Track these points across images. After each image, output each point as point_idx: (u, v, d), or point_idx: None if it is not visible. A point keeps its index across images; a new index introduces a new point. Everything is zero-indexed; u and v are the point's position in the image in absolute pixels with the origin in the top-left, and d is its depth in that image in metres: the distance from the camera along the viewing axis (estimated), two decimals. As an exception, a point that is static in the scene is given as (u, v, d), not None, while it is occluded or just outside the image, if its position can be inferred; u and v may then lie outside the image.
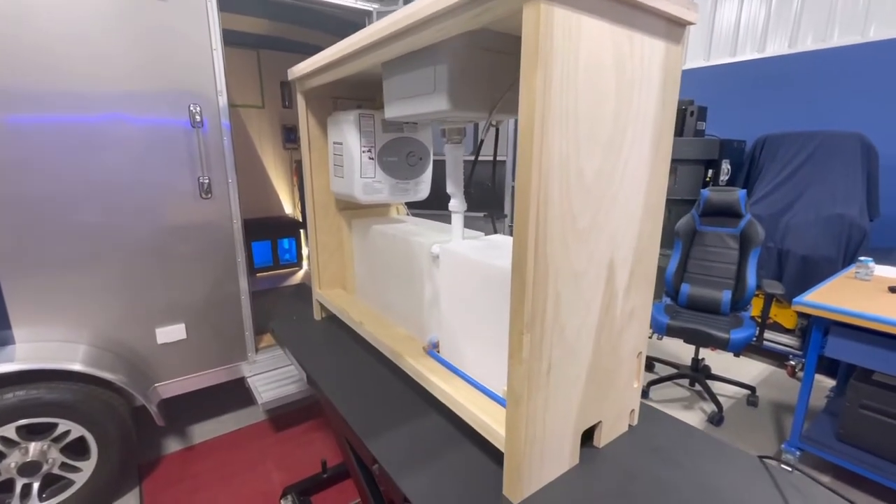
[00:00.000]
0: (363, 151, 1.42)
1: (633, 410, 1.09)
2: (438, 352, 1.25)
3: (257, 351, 2.40)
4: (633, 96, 0.83)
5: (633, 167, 0.87)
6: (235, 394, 2.72)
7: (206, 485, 2.01)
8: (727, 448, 1.02)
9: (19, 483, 1.71)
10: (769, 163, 3.33)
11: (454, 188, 1.25)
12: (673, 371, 2.88)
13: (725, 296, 2.63)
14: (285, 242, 3.89)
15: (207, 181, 2.07)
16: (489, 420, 0.94)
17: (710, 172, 3.44)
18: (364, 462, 1.16)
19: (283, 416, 2.52)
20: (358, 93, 1.71)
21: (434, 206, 2.34)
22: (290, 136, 3.93)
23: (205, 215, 2.09)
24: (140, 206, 1.94)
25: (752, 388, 2.74)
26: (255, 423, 2.45)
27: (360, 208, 1.82)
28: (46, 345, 1.82)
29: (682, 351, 3.42)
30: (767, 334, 3.21)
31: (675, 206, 3.44)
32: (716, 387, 2.92)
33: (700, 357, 2.83)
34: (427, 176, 1.59)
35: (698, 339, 2.43)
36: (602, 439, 1.02)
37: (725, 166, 3.44)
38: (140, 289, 2.00)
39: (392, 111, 1.14)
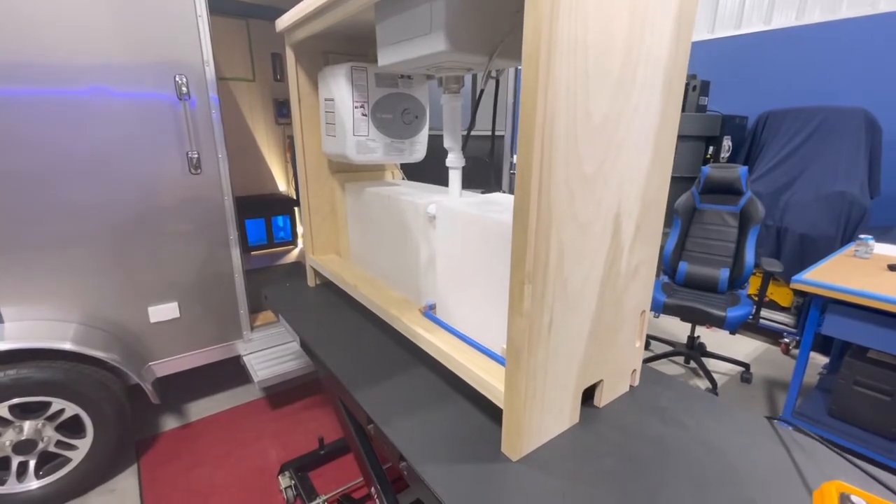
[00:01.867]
0: (356, 107, 1.36)
1: (634, 371, 1.07)
2: (435, 314, 1.22)
3: (252, 329, 2.38)
4: (646, 33, 0.77)
5: (642, 114, 0.82)
6: (232, 372, 2.72)
7: (204, 461, 2.02)
8: (732, 410, 1.00)
9: (15, 461, 1.71)
10: (771, 139, 3.27)
11: (452, 142, 1.20)
12: (668, 349, 2.90)
13: (723, 274, 2.62)
14: (279, 220, 3.84)
15: (196, 156, 2.00)
16: (488, 377, 0.91)
17: (710, 149, 3.38)
18: (359, 423, 1.15)
19: (280, 394, 2.52)
20: (350, 47, 1.62)
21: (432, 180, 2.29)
22: (282, 110, 3.82)
23: (194, 191, 2.04)
24: (128, 181, 1.88)
25: (746, 366, 2.76)
26: (252, 401, 2.46)
27: (353, 170, 1.76)
28: (36, 324, 1.79)
29: (678, 329, 3.44)
30: (763, 312, 3.22)
31: (675, 183, 3.40)
32: (710, 364, 2.94)
33: (696, 335, 2.85)
34: (423, 136, 1.53)
35: (695, 317, 2.43)
36: (603, 399, 1.00)
37: (727, 143, 3.38)
38: (130, 267, 1.96)
39: (385, 58, 1.07)
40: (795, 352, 3.11)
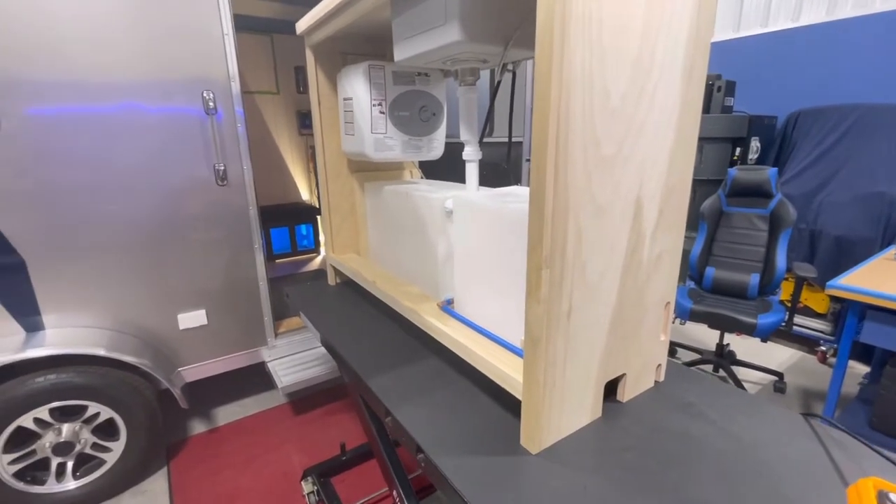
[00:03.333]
0: (374, 105, 1.37)
1: (659, 365, 1.03)
2: (453, 308, 1.22)
3: (276, 336, 2.44)
4: (665, 10, 0.75)
5: (663, 93, 0.80)
6: (256, 377, 2.79)
7: (230, 465, 2.07)
8: (766, 405, 0.95)
9: (54, 462, 1.79)
10: (802, 139, 3.16)
11: (468, 134, 1.19)
12: (696, 357, 2.81)
13: (753, 279, 2.53)
14: (303, 228, 3.92)
15: (223, 168, 2.07)
16: (506, 368, 0.89)
17: (737, 151, 3.28)
18: (379, 419, 1.15)
19: (303, 400, 2.56)
20: (368, 48, 1.65)
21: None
22: (305, 121, 3.92)
23: (221, 202, 2.11)
24: (158, 193, 1.96)
25: (779, 375, 2.65)
26: (276, 407, 2.51)
27: (372, 170, 1.77)
28: (75, 330, 1.88)
29: (706, 336, 3.34)
30: (797, 319, 3.09)
31: (701, 186, 3.31)
32: (741, 373, 2.84)
33: (725, 342, 2.75)
34: (441, 133, 1.53)
35: (724, 325, 2.35)
36: (626, 393, 0.97)
37: (755, 144, 3.28)
38: (162, 276, 2.03)
39: (402, 52, 1.08)
40: (833, 360, 2.96)
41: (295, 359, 2.41)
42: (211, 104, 1.98)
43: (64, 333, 1.84)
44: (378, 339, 1.32)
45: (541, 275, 0.72)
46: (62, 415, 1.78)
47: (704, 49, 0.85)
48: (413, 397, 1.02)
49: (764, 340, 2.30)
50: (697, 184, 3.32)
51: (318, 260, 3.80)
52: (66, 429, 1.78)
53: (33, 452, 1.74)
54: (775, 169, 2.55)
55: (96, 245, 1.87)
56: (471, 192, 1.19)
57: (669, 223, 0.91)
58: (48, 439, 1.76)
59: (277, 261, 3.80)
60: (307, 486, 1.85)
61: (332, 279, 1.84)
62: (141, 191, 1.92)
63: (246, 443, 2.22)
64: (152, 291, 2.03)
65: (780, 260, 2.48)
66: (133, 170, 1.89)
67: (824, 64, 3.25)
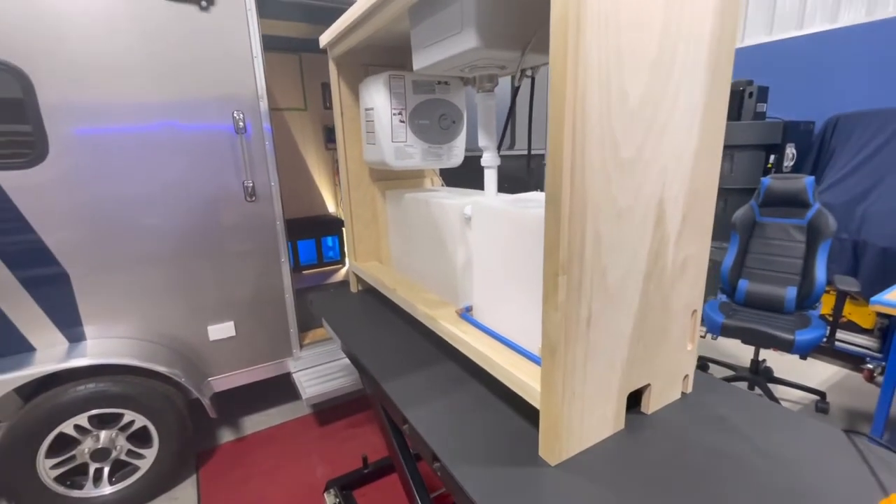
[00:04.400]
0: (394, 114, 1.39)
1: (686, 376, 0.99)
2: (472, 316, 1.21)
3: (302, 347, 2.48)
4: (685, 9, 0.73)
5: (686, 94, 0.78)
6: (282, 388, 2.84)
7: (257, 474, 2.10)
8: (804, 421, 0.90)
9: (92, 467, 1.86)
10: (842, 145, 3.01)
11: (487, 140, 1.19)
12: (729, 373, 2.69)
13: (790, 293, 2.42)
14: (329, 240, 4.00)
15: (251, 184, 2.15)
16: (524, 376, 0.88)
17: (771, 158, 3.16)
18: (399, 428, 1.15)
19: (327, 411, 2.59)
20: (389, 59, 1.69)
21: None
22: (331, 136, 4.02)
23: (250, 217, 2.18)
24: (193, 209, 2.04)
25: (821, 394, 2.51)
26: (301, 417, 2.54)
27: (393, 178, 1.80)
28: (112, 341, 1.97)
29: (740, 351, 3.20)
30: (841, 334, 2.92)
31: (732, 195, 3.20)
32: (779, 391, 2.70)
33: (761, 358, 2.63)
34: (461, 140, 1.54)
35: (758, 340, 2.25)
36: (651, 405, 0.93)
37: (790, 151, 3.16)
38: (193, 288, 2.11)
39: (420, 61, 1.10)
40: (880, 379, 2.78)
41: (320, 370, 2.44)
42: (241, 123, 2.06)
43: (103, 344, 1.93)
44: (398, 345, 1.33)
45: (558, 280, 0.71)
46: (100, 422, 1.85)
47: (729, 49, 0.83)
48: (431, 405, 1.01)
49: (803, 357, 2.18)
50: (728, 193, 3.21)
51: (344, 271, 3.86)
52: (104, 436, 1.86)
53: (73, 458, 1.82)
54: (812, 177, 2.44)
55: (133, 258, 1.97)
56: (489, 197, 1.19)
57: (694, 228, 0.89)
58: (87, 445, 1.84)
59: (304, 272, 3.88)
60: (330, 499, 1.86)
61: (354, 287, 1.87)
62: (175, 207, 2.01)
63: (272, 452, 2.26)
64: (184, 304, 2.11)
65: (820, 272, 2.37)
66: (167, 186, 1.98)
67: (864, 67, 3.11)
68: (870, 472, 0.76)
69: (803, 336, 2.13)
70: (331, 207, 4.22)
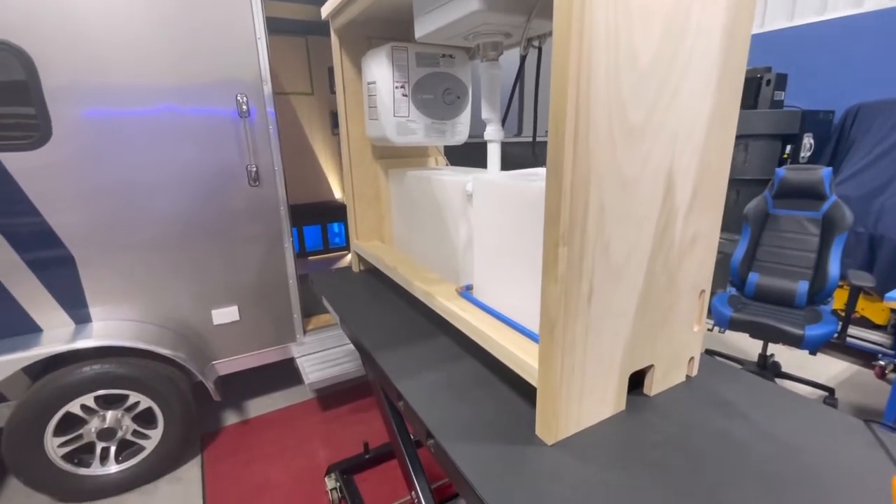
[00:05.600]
0: (396, 87, 1.35)
1: (692, 359, 0.96)
2: (473, 294, 1.19)
3: (305, 332, 2.49)
4: None
5: (700, 57, 0.73)
6: (286, 373, 2.86)
7: (260, 457, 2.13)
8: (817, 407, 0.86)
9: (99, 446, 1.89)
10: (862, 136, 2.92)
11: (490, 113, 1.14)
12: (736, 367, 2.65)
13: (801, 287, 2.36)
14: (335, 226, 4.00)
15: (255, 169, 2.13)
16: (521, 353, 0.86)
17: (788, 149, 3.08)
18: (399, 412, 1.14)
19: (329, 396, 2.61)
20: (392, 31, 1.65)
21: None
22: (337, 121, 3.99)
23: (254, 202, 2.17)
24: (196, 193, 2.04)
25: (830, 390, 2.46)
26: (304, 402, 2.56)
27: (396, 156, 1.76)
28: (118, 323, 1.99)
29: (748, 345, 3.15)
30: (853, 330, 2.86)
31: (745, 186, 3.13)
32: (786, 386, 2.66)
33: (769, 353, 2.59)
34: (465, 117, 1.50)
35: (767, 335, 2.21)
36: (654, 387, 0.91)
37: (808, 141, 3.06)
38: (197, 272, 2.12)
39: (422, 27, 1.07)
40: (892, 376, 2.73)
41: (323, 356, 2.45)
42: (244, 107, 2.04)
43: (108, 326, 1.95)
44: (396, 323, 1.31)
45: (558, 252, 0.68)
46: (106, 402, 1.88)
47: (749, 8, 0.78)
48: (427, 381, 1.00)
49: (813, 353, 2.14)
50: (742, 184, 3.13)
51: (349, 257, 3.86)
52: (110, 416, 1.89)
53: (80, 437, 1.85)
54: (829, 169, 2.36)
55: (137, 242, 1.97)
56: (492, 172, 1.15)
57: (705, 203, 0.85)
58: (93, 425, 1.87)
59: (310, 258, 3.89)
60: (330, 482, 1.87)
61: (356, 266, 1.85)
62: (178, 190, 2.01)
63: (275, 436, 2.28)
64: (188, 287, 2.12)
65: (833, 267, 2.31)
66: (171, 170, 1.98)
67: (888, 53, 2.98)
68: (891, 463, 0.73)
69: (813, 331, 2.09)
70: (337, 193, 4.20)
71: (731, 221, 3.04)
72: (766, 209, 2.58)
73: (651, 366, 0.89)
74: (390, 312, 1.40)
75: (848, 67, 3.19)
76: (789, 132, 3.01)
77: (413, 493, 1.27)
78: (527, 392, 0.95)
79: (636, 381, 0.89)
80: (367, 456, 2.00)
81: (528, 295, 0.95)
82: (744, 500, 0.66)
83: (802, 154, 3.08)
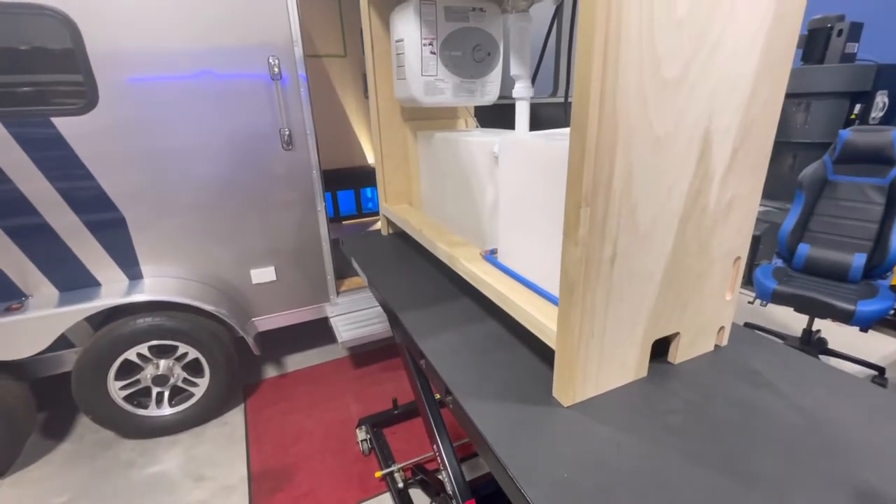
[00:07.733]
0: (424, 44, 1.30)
1: (722, 328, 0.93)
2: (497, 258, 1.20)
3: (338, 294, 2.58)
4: None
5: (746, 2, 0.67)
6: (321, 331, 2.99)
7: (297, 409, 2.27)
8: (860, 383, 0.82)
9: (154, 391, 2.08)
10: (947, 93, 2.60)
11: (519, 69, 1.09)
12: (772, 339, 2.54)
13: (857, 260, 2.20)
14: (368, 191, 4.03)
15: (288, 133, 2.16)
16: (541, 316, 0.85)
17: (857, 108, 2.79)
18: (423, 372, 1.19)
19: (361, 355, 2.72)
20: None
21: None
22: (369, 84, 3.94)
23: (288, 166, 2.22)
24: (233, 157, 2.10)
25: (881, 370, 2.33)
26: (337, 359, 2.69)
27: (425, 119, 1.74)
28: (167, 280, 2.13)
29: (791, 320, 3.00)
30: (913, 307, 2.66)
31: (804, 150, 2.89)
32: (831, 364, 2.53)
33: (815, 329, 2.46)
34: (496, 75, 1.44)
35: (813, 309, 2.09)
36: (679, 355, 0.89)
37: (881, 99, 2.77)
38: (236, 233, 2.22)
39: None
40: (956, 358, 2.54)
41: (355, 316, 2.54)
42: (276, 70, 2.05)
43: (158, 283, 2.09)
44: (421, 285, 1.34)
45: (580, 213, 0.65)
46: (159, 352, 2.05)
47: None
48: (448, 342, 1.02)
49: (864, 330, 2.01)
50: (800, 148, 2.89)
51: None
52: (163, 364, 2.06)
53: (138, 381, 2.04)
54: (902, 130, 2.14)
55: (180, 204, 2.07)
56: (520, 132, 1.11)
57: (746, 165, 0.79)
58: (149, 371, 2.04)
59: (344, 222, 3.97)
60: (361, 434, 1.99)
61: (385, 229, 1.88)
62: (216, 154, 2.07)
63: (310, 389, 2.42)
64: (228, 248, 2.22)
65: (896, 239, 2.12)
66: (208, 135, 2.04)
67: None
68: None
69: (867, 307, 1.95)
70: (370, 158, 4.22)
71: (785, 189, 2.83)
72: (824, 175, 2.38)
73: (677, 333, 0.86)
74: (416, 274, 1.42)
75: (938, 13, 2.81)
76: (860, 89, 2.72)
77: (435, 446, 1.33)
78: (546, 355, 0.95)
79: (661, 348, 0.87)
80: (395, 412, 2.10)
81: (553, 258, 0.93)
82: (761, 469, 0.65)
83: (874, 114, 2.79)
